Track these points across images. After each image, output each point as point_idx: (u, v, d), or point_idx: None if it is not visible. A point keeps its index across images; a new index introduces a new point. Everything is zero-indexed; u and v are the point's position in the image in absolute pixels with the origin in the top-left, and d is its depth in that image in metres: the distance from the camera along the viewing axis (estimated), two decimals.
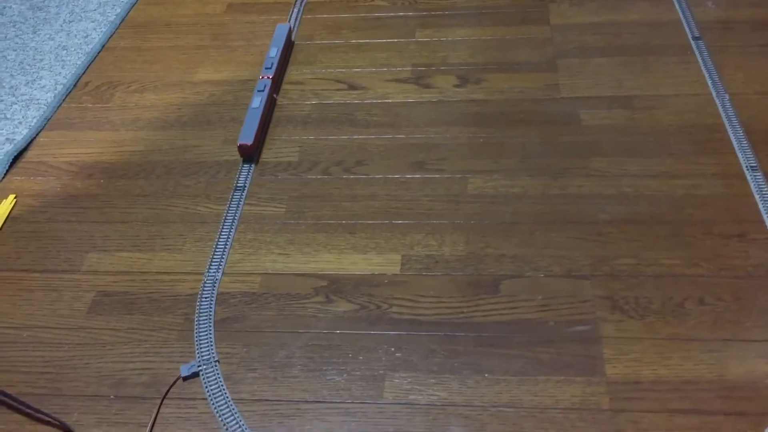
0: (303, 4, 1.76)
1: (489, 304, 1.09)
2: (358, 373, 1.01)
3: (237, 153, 1.36)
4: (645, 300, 1.06)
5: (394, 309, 1.09)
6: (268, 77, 1.48)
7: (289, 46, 1.60)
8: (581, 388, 0.97)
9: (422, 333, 1.06)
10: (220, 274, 1.15)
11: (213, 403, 0.98)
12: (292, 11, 1.73)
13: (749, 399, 0.93)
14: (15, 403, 0.99)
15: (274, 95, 1.45)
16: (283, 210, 1.26)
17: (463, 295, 1.10)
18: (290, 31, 1.61)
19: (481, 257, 1.15)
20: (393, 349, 1.04)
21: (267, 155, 1.37)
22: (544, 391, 0.97)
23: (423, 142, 1.37)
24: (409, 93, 1.48)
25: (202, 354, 1.04)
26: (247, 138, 1.35)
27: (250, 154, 1.34)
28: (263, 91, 1.44)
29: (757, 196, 1.18)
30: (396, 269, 1.15)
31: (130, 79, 1.57)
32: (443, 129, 1.39)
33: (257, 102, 1.41)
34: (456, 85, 1.49)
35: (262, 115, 1.40)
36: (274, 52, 1.54)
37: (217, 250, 1.19)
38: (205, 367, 1.03)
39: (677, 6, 1.62)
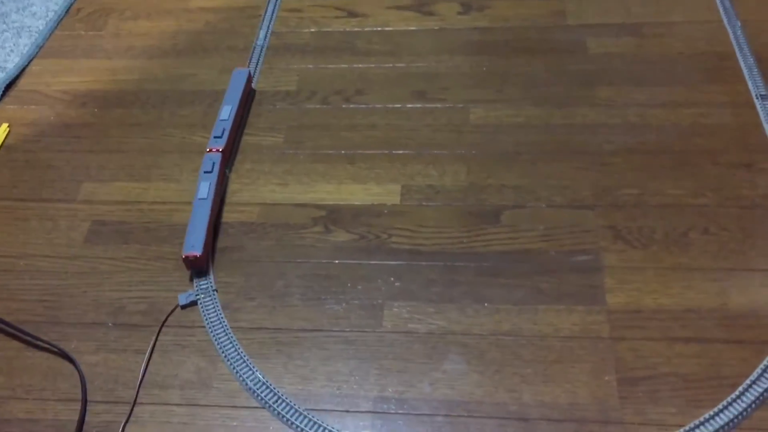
0: None
1: (490, 234, 1.07)
2: (357, 302, 1.01)
3: None
4: (648, 230, 1.05)
5: (394, 239, 1.08)
6: (217, 149, 1.14)
7: (246, 102, 1.28)
8: (581, 317, 0.96)
9: (422, 263, 1.04)
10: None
11: (211, 331, 0.98)
12: None
13: (751, 327, 0.92)
14: (13, 330, 0.99)
15: (227, 171, 1.14)
16: (282, 140, 1.24)
17: (464, 225, 1.09)
18: (250, 77, 1.29)
19: (482, 187, 1.13)
20: (392, 278, 1.03)
21: (265, 84, 1.33)
22: (544, 320, 0.96)
23: (424, 71, 1.33)
24: (411, 21, 1.44)
25: (201, 283, 1.03)
26: (195, 247, 1.02)
27: (201, 267, 1.03)
28: (211, 172, 1.11)
29: (765, 125, 1.15)
30: (396, 199, 1.13)
31: (123, 5, 1.53)
32: (445, 58, 1.35)
33: (204, 191, 1.08)
34: (459, 13, 1.44)
35: (212, 210, 1.07)
36: (227, 113, 1.20)
37: None
38: (203, 296, 1.02)
39: None
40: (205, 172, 1.11)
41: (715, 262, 1.00)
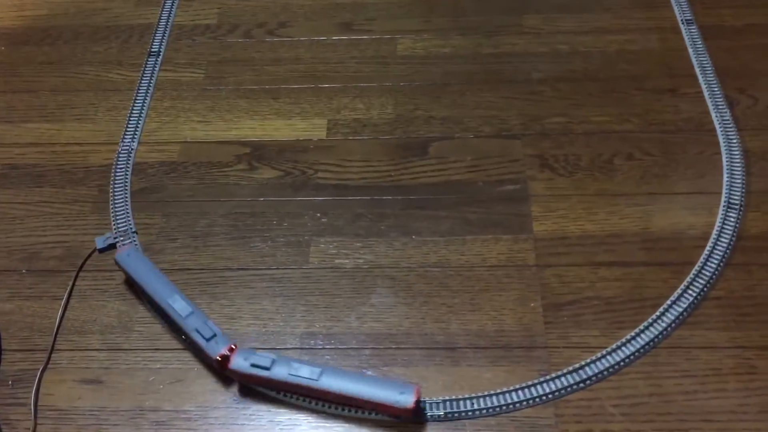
0: None
1: (418, 166, 1.05)
2: (282, 239, 0.99)
3: (150, 15, 1.27)
4: (574, 157, 1.04)
5: (320, 174, 1.05)
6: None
7: None
8: (508, 246, 0.96)
9: (349, 198, 1.03)
10: (135, 144, 1.09)
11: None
12: None
13: (672, 250, 0.94)
14: None
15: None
16: (202, 76, 1.19)
17: (392, 158, 1.07)
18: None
19: (410, 119, 1.11)
20: (319, 214, 1.01)
21: (183, 18, 1.27)
22: (471, 250, 0.96)
23: (350, 1, 1.29)
24: None
25: (119, 225, 1.00)
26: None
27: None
28: None
29: (690, 50, 1.15)
30: (322, 134, 1.10)
31: None
32: None
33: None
34: None
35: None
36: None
37: (132, 118, 1.12)
38: (122, 238, 0.98)
39: None
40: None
41: (638, 187, 1.00)
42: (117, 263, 0.92)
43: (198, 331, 0.85)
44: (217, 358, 0.83)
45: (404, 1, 1.28)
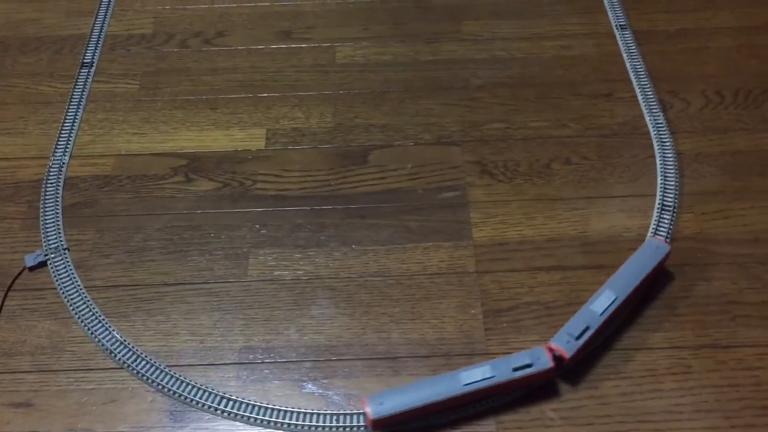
0: None
1: (357, 175, 1.05)
2: (221, 252, 0.97)
3: (83, 26, 1.24)
4: (513, 163, 1.05)
5: (259, 185, 1.04)
6: None
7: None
8: (448, 253, 0.96)
9: (288, 208, 1.01)
10: (67, 158, 1.06)
11: (63, 292, 0.92)
12: None
13: (609, 252, 0.95)
14: None
15: None
16: (137, 87, 1.16)
17: (331, 167, 1.06)
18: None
19: (349, 128, 1.10)
20: (258, 226, 0.99)
21: (117, 27, 1.25)
22: (411, 258, 0.96)
23: (289, 9, 1.28)
24: None
25: (50, 242, 0.97)
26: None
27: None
28: None
29: (624, 55, 1.17)
30: (261, 144, 1.09)
31: None
32: None
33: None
34: None
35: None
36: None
37: (63, 131, 1.09)
38: (53, 255, 0.95)
39: None
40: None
41: (575, 191, 1.01)
42: None
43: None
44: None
45: (343, 9, 1.27)
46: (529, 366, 0.80)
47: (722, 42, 1.18)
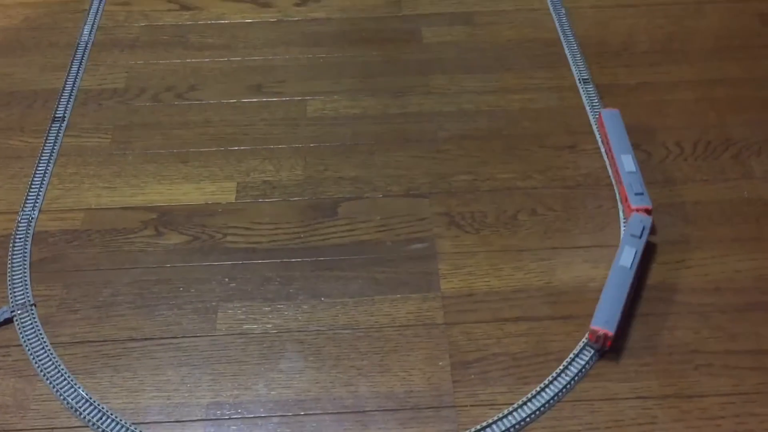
0: None
1: (327, 227, 1.06)
2: (189, 306, 0.97)
3: (55, 81, 1.25)
4: (480, 214, 1.07)
5: (229, 238, 1.04)
6: (646, 209, 1.00)
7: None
8: (417, 305, 0.97)
9: (258, 261, 1.02)
10: (36, 212, 1.06)
11: (28, 349, 0.91)
12: None
13: (575, 302, 0.96)
14: None
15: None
16: (109, 140, 1.17)
17: (301, 219, 1.07)
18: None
19: (319, 180, 1.12)
20: (227, 279, 1.00)
21: (90, 82, 1.26)
22: (380, 310, 0.96)
23: (261, 64, 1.30)
24: (247, 13, 1.40)
25: (17, 298, 0.96)
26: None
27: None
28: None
29: (587, 108, 1.20)
30: (231, 197, 1.10)
31: None
32: (282, 50, 1.33)
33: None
34: (296, 4, 1.42)
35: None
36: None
37: (33, 186, 1.09)
38: (19, 311, 0.95)
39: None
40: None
41: (541, 242, 1.03)
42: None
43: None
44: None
45: (314, 64, 1.30)
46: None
47: (681, 95, 1.22)
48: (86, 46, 1.32)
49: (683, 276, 0.98)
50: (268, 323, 0.95)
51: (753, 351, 0.90)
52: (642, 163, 1.12)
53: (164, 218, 1.07)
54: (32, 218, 1.05)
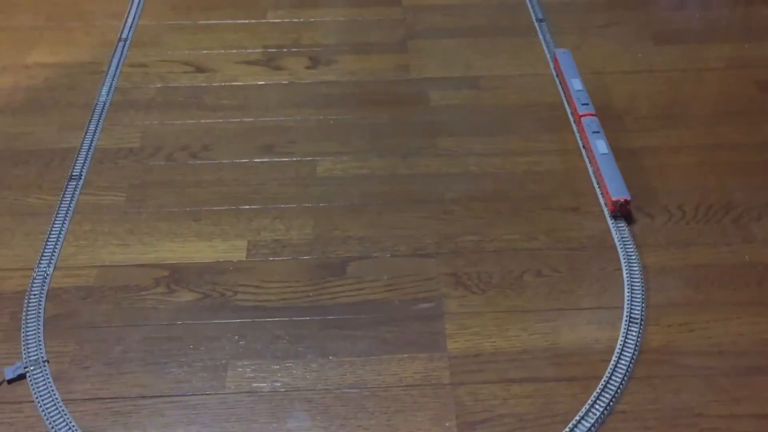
0: None
1: (336, 286, 1.08)
2: (199, 364, 0.98)
3: (73, 140, 1.29)
4: (486, 275, 1.09)
5: (239, 296, 1.06)
6: (592, 114, 1.27)
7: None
8: (424, 365, 0.98)
9: (267, 319, 1.03)
10: (51, 269, 1.08)
11: (40, 406, 0.92)
12: None
13: (580, 364, 0.97)
14: None
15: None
16: (123, 199, 1.20)
17: (310, 278, 1.09)
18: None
19: (328, 240, 1.14)
20: (237, 337, 1.01)
21: (106, 141, 1.30)
22: (387, 369, 0.97)
23: (272, 125, 1.34)
24: (260, 75, 1.45)
25: (30, 354, 0.98)
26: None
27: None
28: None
29: (590, 170, 1.23)
30: (242, 255, 1.12)
31: None
32: (293, 111, 1.37)
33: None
34: (307, 67, 1.47)
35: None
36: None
37: (49, 243, 1.12)
38: (32, 367, 0.96)
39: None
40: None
41: (547, 303, 1.04)
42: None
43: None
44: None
45: (324, 125, 1.34)
46: None
47: (682, 159, 1.25)
48: (104, 106, 1.36)
49: (687, 339, 0.99)
50: (277, 381, 0.96)
51: (757, 415, 0.91)
52: (644, 227, 1.14)
53: (176, 275, 1.09)
54: (47, 275, 1.07)
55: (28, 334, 1.00)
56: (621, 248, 1.10)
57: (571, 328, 1.01)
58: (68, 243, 1.13)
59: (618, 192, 1.13)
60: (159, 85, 1.42)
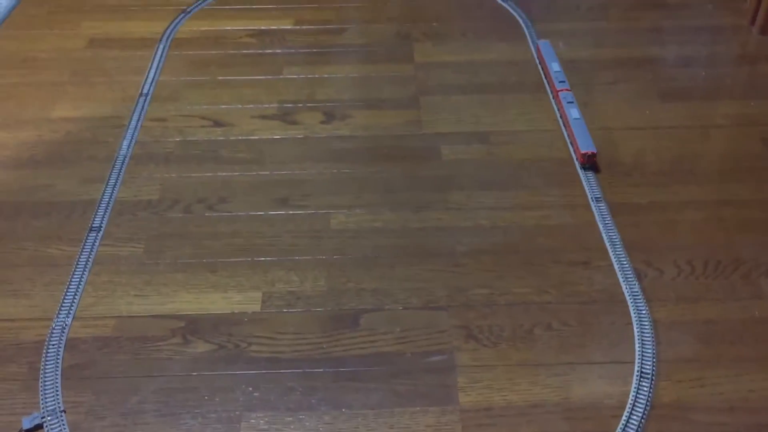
0: (169, 40, 1.74)
1: (348, 338, 1.09)
2: (213, 415, 0.99)
3: (93, 192, 1.32)
4: (497, 328, 1.10)
5: (254, 347, 1.08)
6: (568, 89, 1.52)
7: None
8: (436, 418, 0.99)
9: (281, 371, 1.05)
10: (70, 319, 1.11)
11: None
12: (158, 47, 1.71)
13: (591, 419, 0.98)
14: None
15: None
16: (142, 250, 1.23)
17: (324, 330, 1.10)
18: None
19: (342, 292, 1.16)
20: (251, 388, 1.03)
21: (126, 194, 1.33)
22: (400, 422, 0.98)
23: (287, 178, 1.37)
24: (275, 129, 1.49)
25: (47, 404, 0.99)
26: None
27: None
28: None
29: (600, 225, 1.25)
30: (257, 307, 1.14)
31: None
32: (308, 165, 1.40)
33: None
34: (322, 122, 1.51)
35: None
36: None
37: (68, 293, 1.14)
38: (50, 417, 0.98)
39: (531, 47, 1.72)
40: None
41: (557, 357, 1.05)
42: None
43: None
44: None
45: (338, 178, 1.37)
46: None
47: (691, 215, 1.27)
48: (124, 159, 1.40)
49: (698, 394, 1.00)
50: None
51: None
52: (654, 281, 1.16)
53: (192, 326, 1.11)
54: (66, 325, 1.10)
55: (46, 383, 1.02)
56: (631, 302, 1.12)
57: (582, 382, 1.02)
58: (87, 293, 1.15)
59: (586, 146, 1.36)
60: (178, 139, 1.46)
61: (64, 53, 1.69)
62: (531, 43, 1.72)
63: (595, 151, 1.35)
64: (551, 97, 1.54)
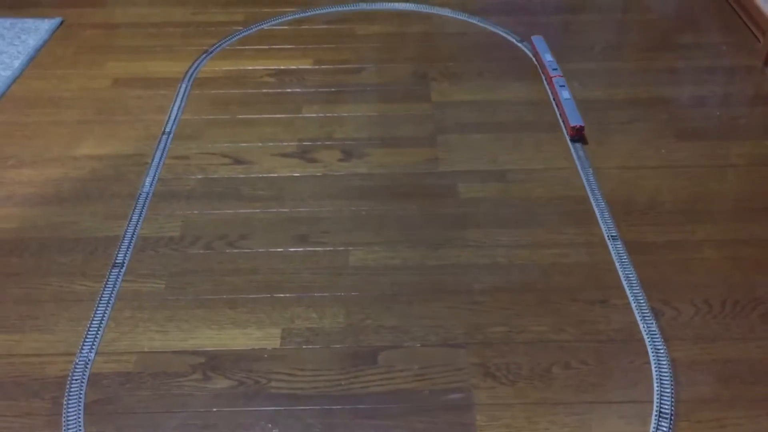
0: (191, 79, 1.78)
1: (367, 375, 1.10)
2: None
3: (116, 228, 1.35)
4: (515, 366, 1.10)
5: (273, 384, 1.09)
6: (561, 75, 1.71)
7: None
8: None
9: (300, 407, 1.06)
10: (93, 355, 1.12)
11: None
12: (180, 86, 1.75)
13: None
14: None
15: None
16: (163, 286, 1.25)
17: (342, 367, 1.11)
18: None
19: (360, 329, 1.17)
20: (270, 425, 1.03)
21: (148, 230, 1.36)
22: None
23: (307, 215, 1.39)
24: (295, 167, 1.51)
25: None
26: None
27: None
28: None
29: (617, 264, 1.26)
30: (276, 343, 1.15)
31: (7, 154, 1.54)
32: (327, 202, 1.42)
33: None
34: (340, 160, 1.53)
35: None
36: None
37: (91, 329, 1.16)
38: None
39: (547, 88, 1.74)
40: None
41: (576, 396, 1.06)
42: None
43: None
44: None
45: (357, 216, 1.39)
46: None
47: (707, 254, 1.28)
48: (147, 196, 1.43)
49: None
50: None
51: None
52: (672, 320, 1.16)
53: (212, 363, 1.12)
54: (89, 360, 1.11)
55: (69, 418, 1.03)
56: (649, 342, 1.12)
57: (600, 421, 1.02)
58: (110, 329, 1.17)
59: (575, 120, 1.55)
60: (199, 177, 1.48)
61: (89, 92, 1.74)
62: (546, 84, 1.74)
63: (582, 125, 1.53)
64: (545, 81, 1.75)
